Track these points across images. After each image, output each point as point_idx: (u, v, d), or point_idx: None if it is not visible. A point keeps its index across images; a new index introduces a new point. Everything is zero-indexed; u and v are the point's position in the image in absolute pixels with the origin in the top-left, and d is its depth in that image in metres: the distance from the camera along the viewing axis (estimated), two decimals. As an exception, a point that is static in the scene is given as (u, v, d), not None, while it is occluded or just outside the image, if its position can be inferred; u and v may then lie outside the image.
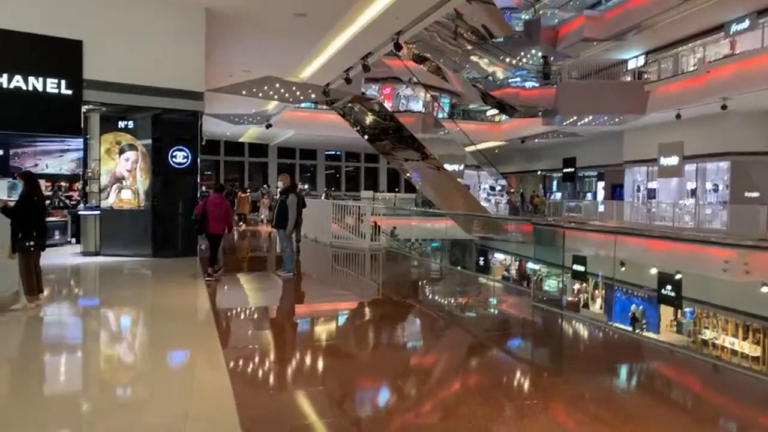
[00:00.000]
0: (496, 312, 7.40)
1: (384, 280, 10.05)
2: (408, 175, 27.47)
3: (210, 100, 19.12)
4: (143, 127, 10.64)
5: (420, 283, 9.95)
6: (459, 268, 17.52)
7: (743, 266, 15.34)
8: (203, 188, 31.60)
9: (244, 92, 16.58)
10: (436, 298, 8.63)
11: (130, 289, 8.06)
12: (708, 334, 21.96)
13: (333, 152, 39.98)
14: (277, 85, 15.56)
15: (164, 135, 10.63)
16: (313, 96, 17.07)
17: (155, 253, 10.37)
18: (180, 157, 10.49)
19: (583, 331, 6.01)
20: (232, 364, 4.65)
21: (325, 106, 24.55)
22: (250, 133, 29.82)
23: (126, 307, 7.08)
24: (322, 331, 6.31)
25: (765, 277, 15.36)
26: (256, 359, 4.99)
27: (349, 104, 22.21)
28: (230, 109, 20.98)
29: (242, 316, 7.08)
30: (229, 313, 6.99)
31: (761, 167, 18.51)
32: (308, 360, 5.06)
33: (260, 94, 16.91)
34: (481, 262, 35.31)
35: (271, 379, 4.60)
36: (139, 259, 10.21)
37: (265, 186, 31.99)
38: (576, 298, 16.04)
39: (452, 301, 8.39)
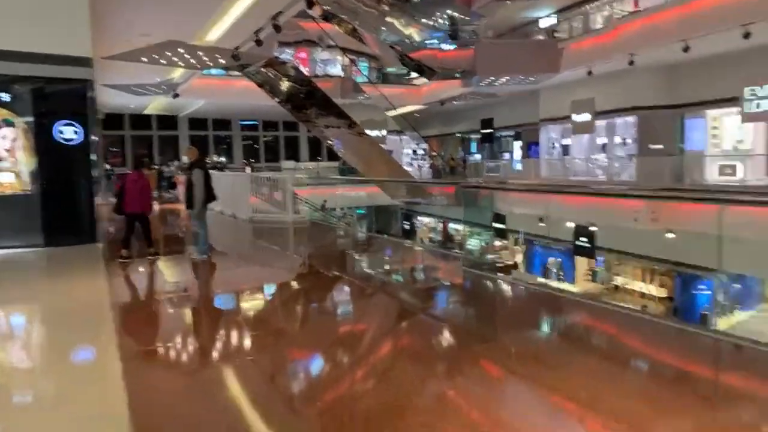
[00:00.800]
0: (425, 278, 7.19)
1: (309, 253, 9.56)
2: (330, 142, 26.77)
3: (107, 69, 17.34)
4: (23, 100, 9.31)
5: (346, 255, 9.56)
6: (385, 236, 17.30)
7: (651, 215, 16.21)
8: (107, 167, 29.42)
9: (144, 59, 15.12)
10: (364, 268, 8.29)
11: (11, 287, 6.94)
12: (620, 281, 23.40)
13: (249, 122, 38.27)
14: (181, 50, 14.27)
15: (49, 109, 9.35)
16: (222, 61, 15.88)
17: (48, 241, 9.20)
18: (69, 132, 9.28)
19: (509, 292, 5.93)
20: (130, 373, 3.90)
21: (237, 73, 23.21)
22: (156, 105, 27.75)
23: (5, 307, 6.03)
24: (238, 314, 5.80)
25: (669, 224, 16.29)
26: (162, 361, 4.38)
27: (263, 69, 21.05)
28: (131, 79, 19.22)
29: (147, 308, 6.36)
30: (131, 306, 6.23)
31: (664, 120, 19.51)
32: (224, 358, 4.50)
33: (163, 61, 15.49)
34: (407, 226, 35.65)
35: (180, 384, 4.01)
36: (28, 250, 9.00)
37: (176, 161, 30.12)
38: (502, 261, 16.39)
39: (380, 269, 8.08)
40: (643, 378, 3.91)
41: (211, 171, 8.81)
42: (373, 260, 8.62)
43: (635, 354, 4.38)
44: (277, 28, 11.96)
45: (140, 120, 33.48)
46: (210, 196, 8.14)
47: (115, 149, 34.99)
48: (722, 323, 19.51)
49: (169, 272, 8.29)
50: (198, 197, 8.04)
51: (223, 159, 36.84)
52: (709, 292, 19.45)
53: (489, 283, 6.27)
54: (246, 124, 38.26)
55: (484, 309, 5.58)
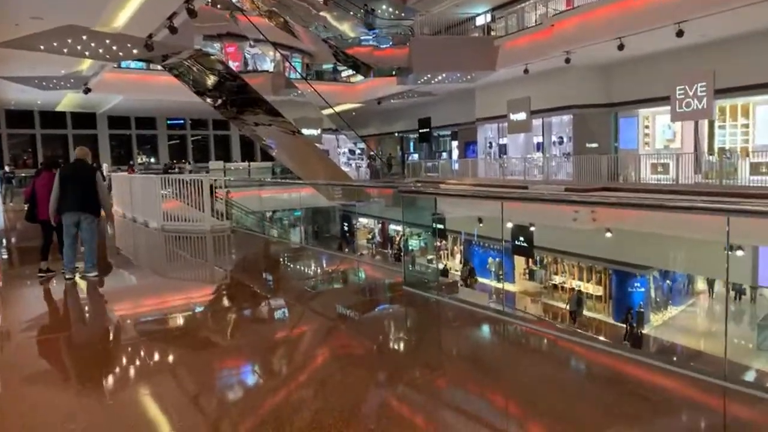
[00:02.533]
0: (359, 301, 5.98)
1: (213, 272, 8.23)
2: (263, 142, 25.43)
3: (2, 59, 15.42)
4: None
5: (268, 270, 8.25)
6: (317, 245, 16.17)
7: (591, 215, 16.10)
8: (5, 168, 26.68)
9: (42, 47, 13.39)
10: (285, 290, 7.03)
11: None
12: (557, 279, 23.47)
13: (176, 120, 36.11)
14: (85, 37, 12.69)
15: None
16: (135, 51, 14.33)
17: None
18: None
19: (454, 320, 4.95)
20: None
21: (159, 67, 21.49)
22: (69, 101, 25.38)
23: None
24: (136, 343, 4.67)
25: (608, 224, 16.23)
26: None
27: (186, 63, 19.49)
28: (31, 71, 17.20)
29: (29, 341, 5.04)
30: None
31: (599, 119, 19.61)
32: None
33: (65, 50, 13.80)
34: (346, 228, 34.73)
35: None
36: None
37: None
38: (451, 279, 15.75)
39: (307, 288, 6.97)
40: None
41: (113, 174, 7.51)
42: (300, 278, 7.54)
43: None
44: (192, 13, 10.72)
45: (53, 118, 30.69)
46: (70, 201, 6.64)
47: (24, 150, 32.02)
48: (655, 319, 19.88)
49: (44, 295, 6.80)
50: (103, 200, 6.82)
51: (151, 160, 34.57)
52: (643, 290, 19.72)
53: (433, 308, 5.39)
54: (173, 122, 36.10)
55: (425, 347, 4.58)
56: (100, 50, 13.85)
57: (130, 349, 4.51)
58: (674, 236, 14.77)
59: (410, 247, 25.95)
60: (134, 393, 3.58)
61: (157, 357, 4.23)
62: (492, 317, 4.80)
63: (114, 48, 13.58)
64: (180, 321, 5.25)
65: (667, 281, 20.83)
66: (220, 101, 22.01)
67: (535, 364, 3.91)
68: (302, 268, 8.15)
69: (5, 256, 9.45)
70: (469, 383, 3.54)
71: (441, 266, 24.86)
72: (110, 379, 3.81)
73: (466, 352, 4.19)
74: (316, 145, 23.71)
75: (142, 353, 4.34)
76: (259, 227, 13.80)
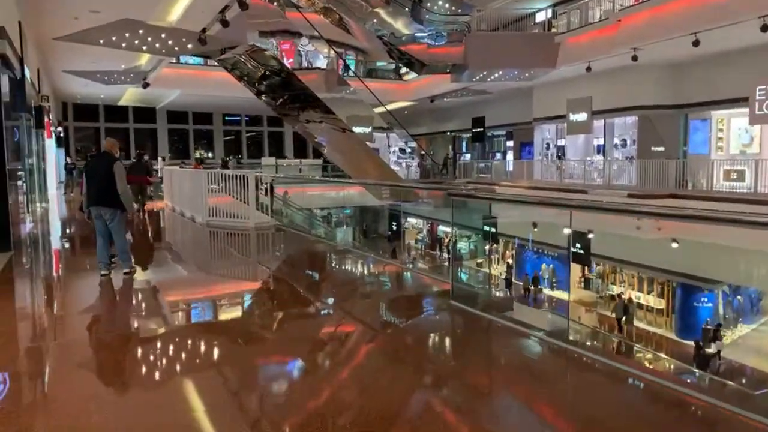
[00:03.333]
0: (400, 317, 5.31)
1: (255, 272, 7.91)
2: (315, 139, 25.40)
3: (64, 52, 15.89)
4: None
5: (301, 276, 7.66)
6: (365, 248, 15.80)
7: (655, 224, 15.03)
8: (68, 159, 27.76)
9: (101, 41, 13.65)
10: (322, 299, 6.47)
11: None
12: (615, 290, 22.25)
13: (232, 116, 36.79)
14: (141, 31, 12.84)
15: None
16: (189, 46, 14.43)
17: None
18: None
19: (504, 348, 4.12)
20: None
21: (215, 63, 21.76)
22: (129, 95, 26.18)
23: None
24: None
25: (674, 234, 15.13)
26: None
27: (241, 59, 19.62)
28: (93, 65, 17.71)
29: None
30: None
31: (667, 121, 18.35)
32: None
33: (123, 44, 14.03)
34: (394, 227, 34.39)
35: None
36: None
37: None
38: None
39: (345, 299, 6.25)
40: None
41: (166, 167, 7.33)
42: (337, 286, 6.95)
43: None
44: (243, 5, 10.59)
45: (116, 111, 31.84)
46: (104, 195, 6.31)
47: (90, 142, 33.37)
48: (725, 338, 18.44)
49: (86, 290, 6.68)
50: (123, 194, 6.43)
51: (210, 155, 35.35)
52: (711, 305, 18.35)
53: (483, 331, 4.63)
54: (229, 119, 36.79)
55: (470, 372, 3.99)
56: (156, 44, 14.01)
57: (146, 346, 4.26)
58: (750, 250, 13.57)
59: (459, 249, 25.42)
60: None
61: (189, 354, 3.96)
62: (555, 347, 3.94)
63: (169, 42, 13.71)
64: (205, 322, 5.00)
65: (738, 297, 19.33)
66: (272, 97, 22.08)
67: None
68: (343, 274, 7.74)
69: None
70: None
71: (501, 275, 24.10)
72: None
73: (519, 396, 3.62)
74: (367, 143, 23.43)
75: (165, 351, 4.08)
76: (305, 225, 13.59)
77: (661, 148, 18.35)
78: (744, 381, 15.40)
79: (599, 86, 19.26)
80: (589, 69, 18.16)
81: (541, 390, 3.46)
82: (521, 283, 24.01)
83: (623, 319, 19.94)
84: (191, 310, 5.69)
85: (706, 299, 18.32)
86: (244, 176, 9.75)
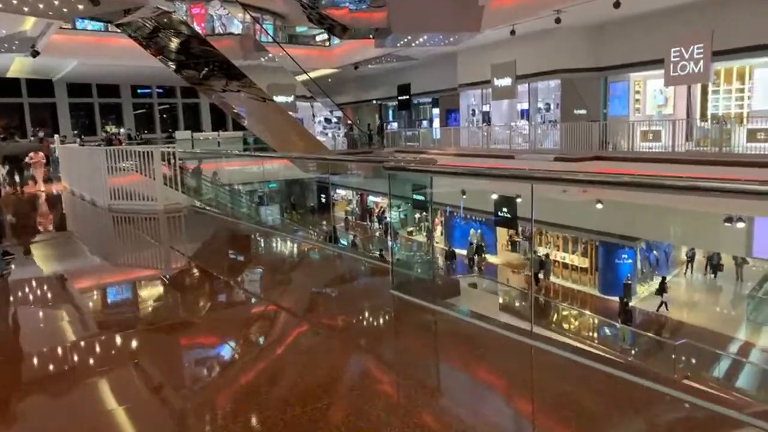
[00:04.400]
0: (334, 311, 4.50)
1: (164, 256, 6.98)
2: (233, 110, 23.93)
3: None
4: None
5: (212, 264, 6.47)
6: (290, 229, 14.95)
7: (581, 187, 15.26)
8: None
9: (-28, 1, 11.78)
10: (235, 291, 5.45)
11: None
12: (541, 251, 22.85)
13: (143, 88, 34.12)
14: (19, -12, 11.13)
15: None
16: (80, 7, 12.75)
17: None
18: None
19: (452, 342, 3.65)
20: None
21: (118, 29, 19.72)
22: (18, 66, 23.40)
23: None
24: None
25: (601, 195, 15.45)
26: None
27: (147, 24, 17.85)
28: (-34, 30, 15.44)
29: None
30: None
31: (588, 84, 18.63)
32: None
33: (0, 5, 12.19)
34: (323, 200, 33.59)
35: None
36: None
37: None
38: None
39: (271, 289, 5.40)
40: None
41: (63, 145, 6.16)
42: (255, 278, 5.80)
43: None
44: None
45: (5, 85, 28.49)
46: None
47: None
48: (642, 290, 19.42)
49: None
50: None
51: (121, 130, 32.60)
52: (631, 261, 19.19)
53: (429, 328, 4.01)
54: (141, 91, 34.08)
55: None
56: (40, 5, 12.27)
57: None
58: (668, 208, 14.10)
59: (392, 220, 25.18)
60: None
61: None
62: (519, 344, 3.31)
63: (55, 3, 12.02)
64: (110, 318, 4.22)
65: (654, 252, 20.36)
66: (183, 66, 20.43)
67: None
68: (266, 259, 6.78)
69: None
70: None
71: (444, 249, 23.88)
72: None
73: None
74: (290, 113, 22.34)
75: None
76: (226, 203, 12.54)
77: (583, 111, 18.67)
78: (662, 331, 16.29)
79: (523, 50, 19.21)
80: (513, 33, 18.00)
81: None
82: (465, 253, 24.10)
83: (540, 273, 21.05)
84: (85, 305, 4.83)
85: (626, 256, 19.12)
86: (148, 153, 8.63)
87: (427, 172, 3.83)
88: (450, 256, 23.50)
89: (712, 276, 18.98)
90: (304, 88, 25.74)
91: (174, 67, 19.90)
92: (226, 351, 3.69)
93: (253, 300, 4.99)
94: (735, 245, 14.39)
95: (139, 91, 34.00)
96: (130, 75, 28.65)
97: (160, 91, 34.86)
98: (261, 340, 3.89)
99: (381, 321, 4.05)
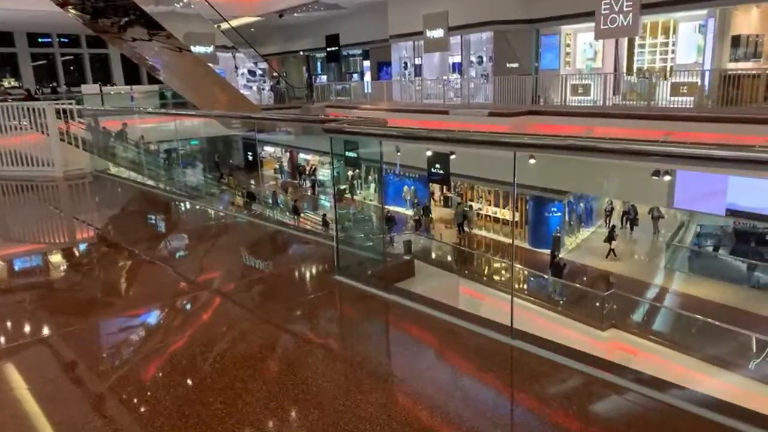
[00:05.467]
0: (259, 311, 3.64)
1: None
2: (147, 62, 21.89)
3: None
4: None
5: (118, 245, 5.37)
6: (211, 198, 13.77)
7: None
8: None
9: None
10: (150, 277, 4.47)
11: None
12: (474, 206, 23.05)
13: (43, 36, 30.67)
14: None
15: None
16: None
17: None
18: None
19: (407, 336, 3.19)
20: None
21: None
22: None
23: None
24: None
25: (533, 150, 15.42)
26: None
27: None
28: None
29: None
30: None
31: (520, 36, 18.37)
32: None
33: None
34: (250, 158, 32.09)
35: None
36: None
37: None
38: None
39: (190, 281, 4.30)
40: None
41: None
42: (174, 263, 4.76)
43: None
44: None
45: None
46: None
47: None
48: (570, 242, 20.03)
49: None
50: None
51: (16, 83, 29.26)
52: (559, 214, 19.64)
53: (378, 325, 3.40)
54: (40, 40, 30.61)
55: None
56: None
57: None
58: (597, 162, 14.30)
59: (322, 180, 24.55)
60: None
61: None
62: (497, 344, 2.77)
63: None
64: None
65: (581, 204, 20.96)
66: (83, 10, 18.23)
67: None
68: (183, 242, 5.55)
69: None
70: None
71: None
72: None
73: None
74: (210, 65, 20.73)
75: None
76: (137, 167, 11.31)
77: (516, 65, 18.47)
78: (585, 279, 16.91)
79: (456, 1, 18.58)
80: (444, -20, 17.32)
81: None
82: (411, 214, 23.73)
83: (463, 224, 21.45)
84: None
85: (555, 209, 19.53)
86: (40, 110, 7.37)
87: (373, 135, 3.27)
88: (389, 221, 23.04)
89: (629, 229, 19.76)
90: (224, 38, 23.97)
91: (72, 11, 17.69)
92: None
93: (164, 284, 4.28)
94: (658, 197, 14.88)
95: (40, 39, 30.59)
96: (25, 21, 25.53)
97: (65, 40, 31.53)
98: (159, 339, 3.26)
99: (323, 318, 3.48)
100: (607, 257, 17.75)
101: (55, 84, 28.98)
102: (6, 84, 29.40)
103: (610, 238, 17.81)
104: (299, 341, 2.92)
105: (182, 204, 7.57)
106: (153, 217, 6.55)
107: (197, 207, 7.83)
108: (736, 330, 11.54)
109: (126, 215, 6.68)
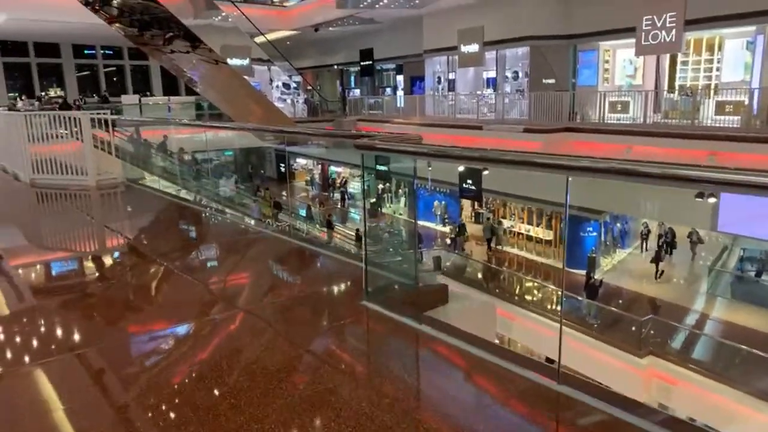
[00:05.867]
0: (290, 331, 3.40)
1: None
2: (185, 74, 22.36)
3: None
4: None
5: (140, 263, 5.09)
6: (241, 214, 13.69)
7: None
8: None
9: None
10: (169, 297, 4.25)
11: None
12: (506, 224, 22.60)
13: (87, 48, 31.71)
14: None
15: None
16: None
17: None
18: None
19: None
20: None
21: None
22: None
23: None
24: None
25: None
26: None
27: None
28: None
29: None
30: None
31: (557, 52, 18.04)
32: None
33: None
34: (282, 169, 32.36)
35: None
36: None
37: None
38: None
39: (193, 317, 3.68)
40: None
41: None
42: (195, 285, 4.36)
43: None
44: None
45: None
46: None
47: None
48: (605, 263, 19.39)
49: None
50: None
51: (60, 93, 30.25)
52: (595, 234, 19.06)
53: (405, 345, 3.17)
54: (86, 52, 31.64)
55: None
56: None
57: None
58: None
59: (352, 192, 24.41)
60: None
61: None
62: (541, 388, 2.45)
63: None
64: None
65: (618, 225, 20.32)
66: (128, 24, 18.73)
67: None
68: (207, 258, 5.31)
69: None
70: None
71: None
72: None
73: None
74: (245, 77, 21.00)
75: None
76: (173, 177, 11.37)
77: (552, 81, 18.12)
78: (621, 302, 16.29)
79: (491, 16, 18.41)
80: (481, -5, 17.18)
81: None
82: (448, 231, 23.37)
83: (492, 239, 21.07)
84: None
85: (591, 229, 18.96)
86: (76, 119, 7.46)
87: (392, 151, 3.09)
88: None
89: (668, 253, 18.98)
90: (260, 51, 24.31)
91: (117, 26, 18.19)
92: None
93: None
94: (701, 219, 14.27)
95: (85, 51, 31.62)
96: (71, 33, 26.40)
97: (110, 52, 32.52)
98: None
99: (348, 350, 3.19)
100: (656, 278, 17.12)
101: (106, 94, 29.67)
102: (52, 93, 30.42)
103: (657, 258, 17.18)
104: (321, 373, 2.72)
105: (213, 216, 7.52)
106: (183, 229, 6.49)
107: (228, 220, 7.78)
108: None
109: (155, 225, 6.64)
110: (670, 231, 18.40)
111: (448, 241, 21.53)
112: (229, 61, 20.24)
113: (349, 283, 4.00)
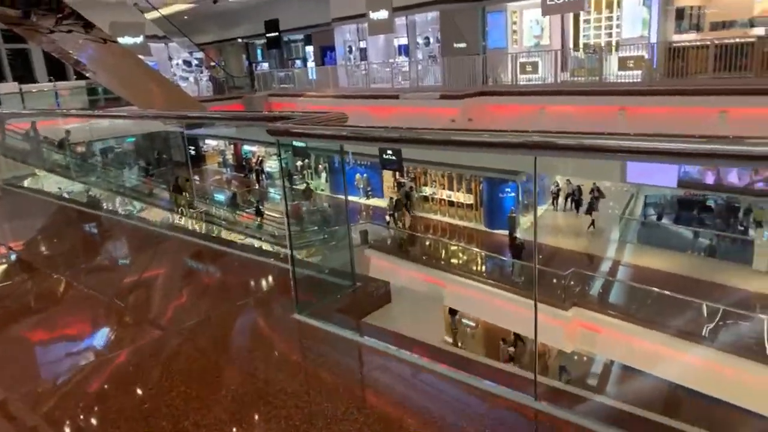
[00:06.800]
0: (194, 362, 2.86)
1: None
2: (72, 56, 20.22)
3: None
4: None
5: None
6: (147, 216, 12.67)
7: (467, 122, 14.81)
8: None
9: None
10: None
11: None
12: (428, 191, 22.72)
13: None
14: None
15: None
16: None
17: None
18: None
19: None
20: None
21: None
22: None
23: None
24: None
25: (485, 127, 15.10)
26: None
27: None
28: None
29: None
30: None
31: (467, 15, 17.94)
32: None
33: None
34: (192, 152, 30.60)
35: None
36: None
37: None
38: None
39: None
40: None
41: None
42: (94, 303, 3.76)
43: None
44: None
45: None
46: None
47: None
48: (524, 221, 19.95)
49: None
50: None
51: None
52: (513, 195, 19.53)
53: (345, 362, 2.82)
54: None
55: None
56: None
57: None
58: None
59: (269, 171, 23.40)
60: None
61: None
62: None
63: None
64: None
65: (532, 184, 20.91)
66: (8, 3, 16.54)
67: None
68: (106, 268, 4.58)
69: None
70: None
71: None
72: None
73: None
74: (140, 57, 19.33)
75: None
76: (62, 170, 10.16)
77: (463, 45, 18.05)
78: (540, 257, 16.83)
79: (398, -21, 17.94)
80: (386, -41, 16.62)
81: None
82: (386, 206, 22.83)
83: (407, 204, 21.36)
84: None
85: (509, 189, 19.39)
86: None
87: (307, 135, 2.67)
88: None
89: (575, 209, 19.71)
90: (155, 27, 22.46)
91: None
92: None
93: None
94: (612, 173, 14.89)
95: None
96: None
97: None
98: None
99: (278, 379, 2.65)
100: (588, 229, 17.89)
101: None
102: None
103: (590, 209, 17.92)
104: (245, 406, 2.29)
105: (111, 217, 6.70)
106: (74, 235, 5.69)
107: (131, 222, 6.97)
108: (688, 299, 11.62)
109: (38, 232, 5.77)
110: (578, 189, 19.18)
111: (387, 218, 21.23)
112: (119, 39, 18.51)
113: (276, 291, 3.50)
